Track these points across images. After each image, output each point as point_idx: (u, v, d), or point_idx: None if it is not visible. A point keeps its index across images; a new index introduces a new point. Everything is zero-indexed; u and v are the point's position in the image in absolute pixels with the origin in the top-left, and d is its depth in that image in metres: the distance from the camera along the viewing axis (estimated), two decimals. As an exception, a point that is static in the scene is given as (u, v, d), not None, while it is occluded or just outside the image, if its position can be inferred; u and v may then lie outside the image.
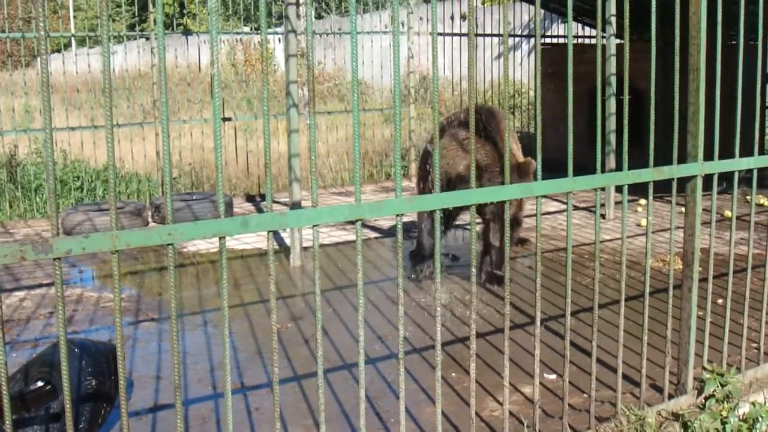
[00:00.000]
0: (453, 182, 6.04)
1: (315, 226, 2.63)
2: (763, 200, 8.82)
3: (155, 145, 10.52)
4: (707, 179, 3.93)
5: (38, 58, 2.19)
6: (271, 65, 22.47)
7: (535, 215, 3.35)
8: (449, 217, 6.49)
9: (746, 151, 4.17)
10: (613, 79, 8.46)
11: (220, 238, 2.46)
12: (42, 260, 7.59)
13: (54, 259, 2.22)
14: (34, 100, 14.17)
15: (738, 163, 4.07)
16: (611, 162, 8.43)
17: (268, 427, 3.82)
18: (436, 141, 2.89)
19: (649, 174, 3.60)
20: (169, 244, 2.36)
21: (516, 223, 6.96)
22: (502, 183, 3.14)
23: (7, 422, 2.26)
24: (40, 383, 3.61)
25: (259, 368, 4.66)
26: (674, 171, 3.70)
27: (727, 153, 4.04)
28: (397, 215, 2.78)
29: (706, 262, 4.18)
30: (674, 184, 3.75)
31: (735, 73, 4.05)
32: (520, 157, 6.24)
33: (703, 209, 4.40)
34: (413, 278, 6.48)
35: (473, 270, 3.20)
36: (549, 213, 9.32)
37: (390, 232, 8.52)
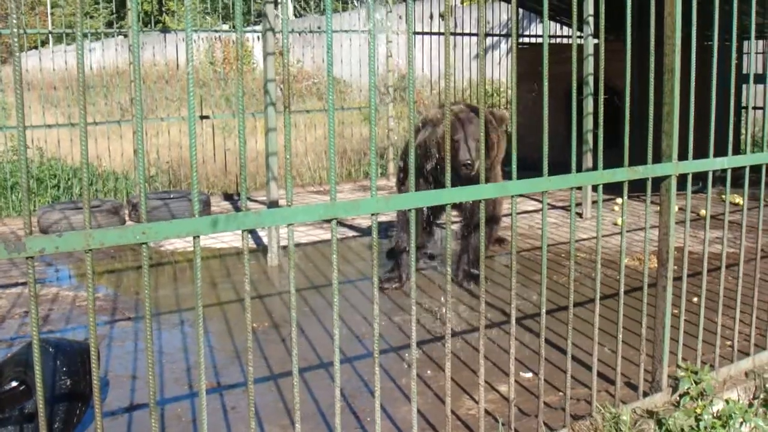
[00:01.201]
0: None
1: (290, 225, 2.63)
2: (738, 199, 8.89)
3: (133, 143, 10.46)
4: (682, 179, 3.95)
5: (12, 55, 2.18)
6: (250, 64, 22.41)
7: (511, 214, 3.36)
8: (434, 214, 6.38)
9: (721, 151, 4.21)
10: (591, 79, 8.51)
11: (194, 237, 2.45)
12: (16, 259, 7.54)
13: (27, 258, 2.20)
14: (10, 97, 14.04)
15: (712, 163, 4.10)
16: (588, 161, 8.47)
17: (244, 426, 3.82)
18: (411, 140, 2.90)
19: (624, 173, 3.62)
20: (143, 243, 2.35)
21: (493, 221, 6.97)
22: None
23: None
24: (14, 383, 3.59)
25: (235, 367, 4.65)
26: (649, 171, 3.72)
27: (702, 153, 4.07)
28: (373, 214, 2.79)
29: (681, 261, 4.21)
30: (649, 184, 3.78)
31: (710, 73, 4.08)
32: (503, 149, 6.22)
33: (679, 208, 4.44)
34: (384, 288, 6.21)
35: (448, 269, 3.21)
36: (526, 212, 9.36)
37: (368, 231, 8.51)
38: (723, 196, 8.47)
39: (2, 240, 2.18)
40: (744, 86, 10.90)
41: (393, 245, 7.34)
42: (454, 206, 6.01)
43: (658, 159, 3.83)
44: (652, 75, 3.70)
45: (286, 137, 2.60)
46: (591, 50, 8.56)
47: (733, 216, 8.13)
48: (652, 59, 3.67)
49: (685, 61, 3.84)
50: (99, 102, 13.72)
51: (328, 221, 2.70)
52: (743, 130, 12.16)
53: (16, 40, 2.14)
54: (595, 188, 3.74)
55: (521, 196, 3.38)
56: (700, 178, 4.36)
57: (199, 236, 2.46)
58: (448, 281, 3.15)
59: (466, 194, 3.09)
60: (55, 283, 6.77)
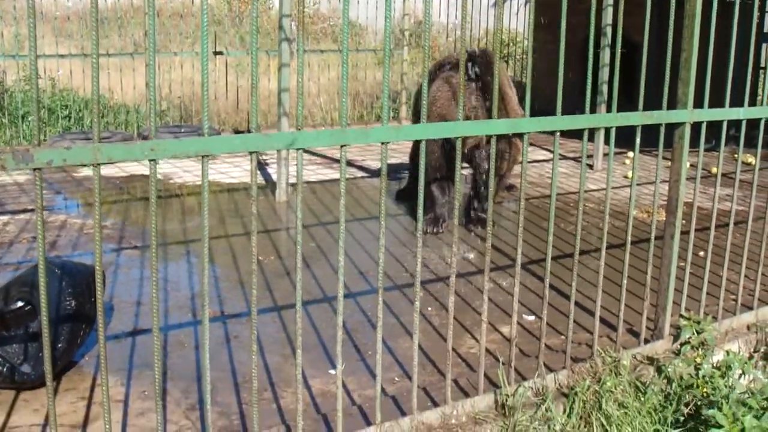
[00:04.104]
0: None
1: (299, 149, 2.61)
2: (750, 159, 8.83)
3: (145, 76, 10.39)
4: (696, 129, 3.91)
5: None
6: (266, 3, 22.17)
7: (522, 154, 3.33)
8: (449, 161, 6.28)
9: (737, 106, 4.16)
10: (609, 30, 8.41)
11: (203, 157, 2.44)
12: (26, 185, 7.56)
13: (34, 170, 2.19)
14: (24, 29, 13.93)
15: (728, 113, 4.05)
16: (602, 112, 8.40)
17: (245, 354, 3.84)
18: (425, 74, 2.87)
19: (638, 117, 3.58)
20: (151, 160, 2.34)
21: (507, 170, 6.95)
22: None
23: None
24: (19, 303, 3.61)
25: (239, 298, 4.67)
26: (663, 116, 3.68)
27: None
28: (383, 143, 2.77)
29: (689, 216, 4.19)
30: (662, 130, 3.74)
31: (729, 31, 4.01)
32: (516, 105, 6.19)
33: (691, 165, 4.41)
34: (426, 232, 6.17)
35: (457, 204, 3.19)
36: (537, 161, 9.31)
37: (378, 172, 8.49)
38: (735, 155, 8.41)
39: (9, 151, 2.17)
40: (764, 45, 10.76)
41: (402, 186, 7.34)
42: (465, 159, 6.00)
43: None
44: (671, 21, 3.63)
45: (299, 63, 2.57)
46: (609, 1, 8.45)
47: (744, 175, 8.09)
48: (672, 2, 3.60)
49: (705, 18, 3.77)
50: (113, 36, 13.64)
51: (338, 161, 2.68)
52: (760, 91, 12.01)
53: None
54: (607, 135, 3.71)
55: (532, 144, 3.34)
56: (713, 136, 4.30)
57: (207, 156, 2.44)
58: (455, 224, 3.14)
59: (478, 128, 3.06)
60: (63, 210, 6.79)
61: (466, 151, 6.02)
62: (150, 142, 2.32)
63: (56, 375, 3.56)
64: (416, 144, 6.60)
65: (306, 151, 7.09)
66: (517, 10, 16.54)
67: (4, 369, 3.45)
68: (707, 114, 3.90)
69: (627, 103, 3.76)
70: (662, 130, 3.74)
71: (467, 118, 5.48)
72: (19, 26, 11.07)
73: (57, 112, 10.68)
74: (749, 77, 4.27)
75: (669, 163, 3.97)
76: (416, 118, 6.59)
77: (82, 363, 3.78)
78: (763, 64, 11.40)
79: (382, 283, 2.95)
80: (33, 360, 3.51)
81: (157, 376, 2.56)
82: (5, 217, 6.46)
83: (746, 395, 3.60)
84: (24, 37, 12.67)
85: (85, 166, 2.32)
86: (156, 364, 2.55)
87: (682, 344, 3.97)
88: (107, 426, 2.48)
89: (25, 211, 6.69)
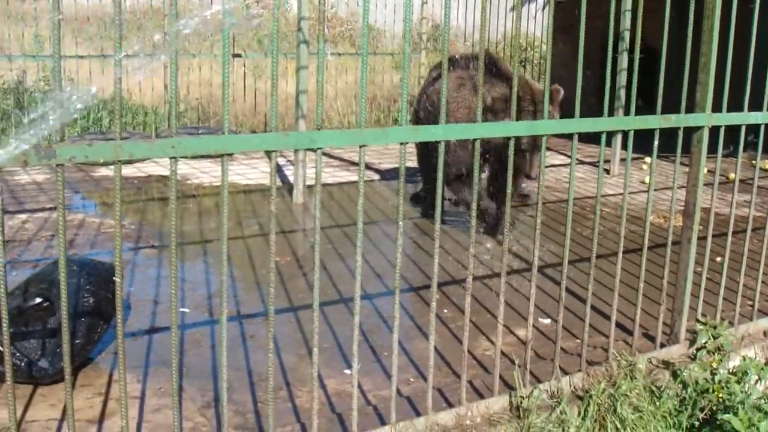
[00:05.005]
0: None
1: (317, 149, 2.62)
2: (768, 165, 8.80)
3: (163, 78, 10.46)
4: (714, 133, 3.90)
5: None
6: (284, 6, 22.25)
7: (540, 160, 3.33)
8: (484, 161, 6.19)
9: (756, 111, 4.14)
10: (627, 35, 8.40)
11: (222, 156, 2.45)
12: (45, 184, 7.62)
13: (57, 166, 2.22)
14: (44, 30, 14.04)
15: (746, 117, 4.04)
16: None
17: (261, 353, 3.86)
18: (444, 73, 2.88)
19: (656, 121, 3.57)
20: (172, 158, 2.36)
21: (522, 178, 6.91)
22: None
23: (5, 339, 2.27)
24: (38, 299, 3.64)
25: (256, 298, 4.69)
26: (681, 120, 3.67)
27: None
28: (402, 143, 2.77)
29: (706, 221, 4.18)
30: (680, 134, 3.73)
31: (749, 35, 4.00)
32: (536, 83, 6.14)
33: (708, 171, 4.39)
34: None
35: (473, 213, 3.19)
36: (554, 166, 9.30)
37: (394, 176, 8.49)
38: (753, 162, 8.37)
39: (33, 147, 2.19)
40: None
41: (419, 190, 7.34)
42: (483, 159, 5.97)
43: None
44: (690, 24, 3.62)
45: (320, 60, 2.59)
46: (628, 5, 8.44)
47: (762, 181, 8.06)
48: (691, 6, 3.60)
49: (725, 21, 3.76)
50: (131, 38, 13.71)
51: (356, 164, 2.69)
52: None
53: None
54: (624, 140, 3.70)
55: (549, 149, 3.35)
56: (731, 142, 4.29)
57: (227, 155, 2.46)
58: (472, 226, 3.15)
59: (495, 130, 3.07)
60: (81, 210, 6.84)
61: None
62: (171, 139, 2.34)
63: (73, 371, 3.58)
64: (420, 147, 6.57)
65: (323, 153, 7.11)
66: (535, 14, 16.53)
67: (22, 364, 3.48)
68: (726, 118, 3.89)
69: (645, 109, 3.75)
70: (680, 134, 3.73)
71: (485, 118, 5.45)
72: (39, 27, 11.14)
73: (76, 112, 10.75)
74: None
75: (686, 169, 3.97)
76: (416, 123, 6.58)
77: (98, 360, 3.81)
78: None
79: (399, 284, 2.96)
80: (50, 355, 3.54)
81: (174, 373, 2.58)
82: (24, 216, 6.51)
83: (762, 401, 3.60)
84: (44, 38, 12.80)
85: (106, 164, 2.34)
86: (173, 362, 2.57)
87: (698, 349, 3.96)
88: (124, 421, 2.50)
89: (43, 209, 6.74)
